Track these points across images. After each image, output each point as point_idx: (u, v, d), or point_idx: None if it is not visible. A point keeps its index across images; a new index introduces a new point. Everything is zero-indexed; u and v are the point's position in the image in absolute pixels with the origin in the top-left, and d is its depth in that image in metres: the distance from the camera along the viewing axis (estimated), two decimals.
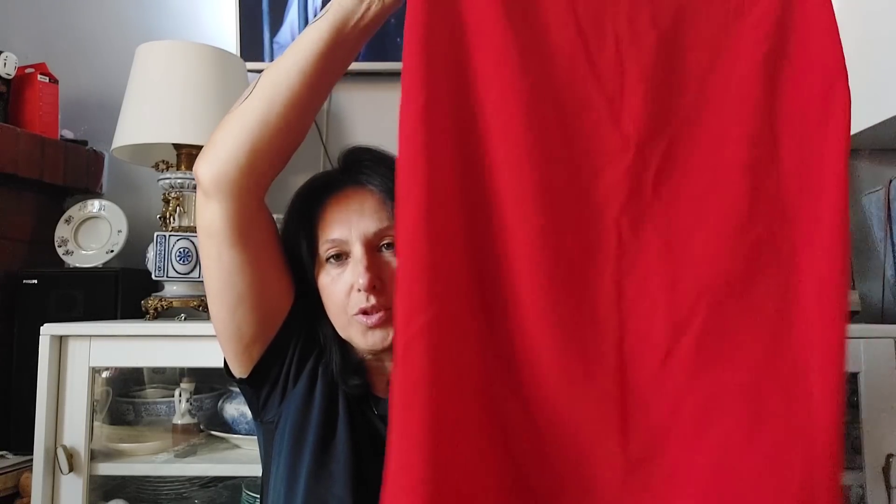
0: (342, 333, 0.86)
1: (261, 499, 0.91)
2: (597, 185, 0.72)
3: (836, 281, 0.68)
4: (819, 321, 0.68)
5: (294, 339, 0.86)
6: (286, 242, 0.88)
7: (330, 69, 0.74)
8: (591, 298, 0.70)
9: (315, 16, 1.73)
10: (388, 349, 0.85)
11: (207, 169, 0.75)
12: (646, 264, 0.71)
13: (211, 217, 0.77)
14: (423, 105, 0.65)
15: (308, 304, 0.87)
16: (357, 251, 0.84)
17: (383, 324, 0.83)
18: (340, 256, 0.86)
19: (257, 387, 0.87)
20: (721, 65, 0.73)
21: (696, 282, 0.70)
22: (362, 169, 0.89)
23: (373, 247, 0.85)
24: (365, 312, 0.83)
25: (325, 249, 0.86)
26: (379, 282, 0.83)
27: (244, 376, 0.86)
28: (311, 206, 0.89)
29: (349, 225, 0.85)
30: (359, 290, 0.83)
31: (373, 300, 0.82)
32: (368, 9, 0.72)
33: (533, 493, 0.68)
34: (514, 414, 0.68)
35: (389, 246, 0.85)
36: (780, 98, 0.72)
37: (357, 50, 0.76)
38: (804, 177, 0.71)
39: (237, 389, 1.40)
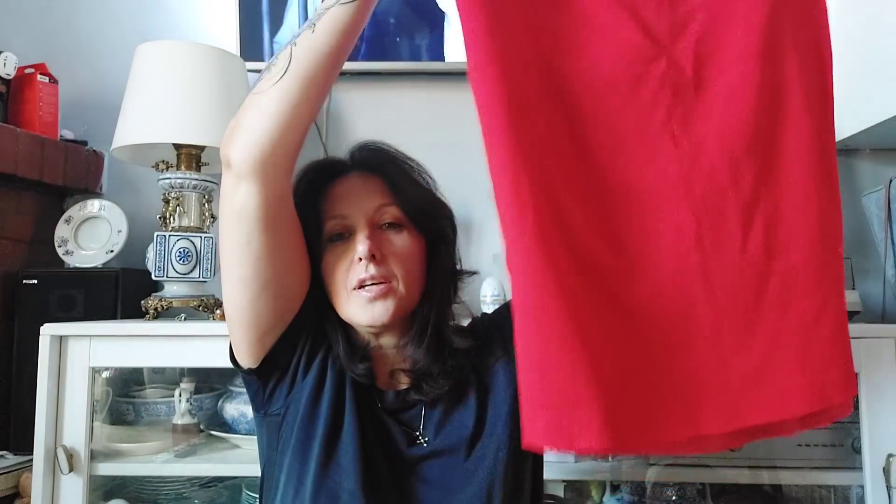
0: (344, 315, 0.86)
1: (260, 496, 0.91)
2: (642, 93, 0.75)
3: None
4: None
5: (306, 331, 0.87)
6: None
7: (352, 43, 0.77)
8: (664, 207, 0.74)
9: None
10: (389, 328, 0.87)
11: (241, 150, 0.75)
12: (704, 158, 0.74)
13: (244, 200, 0.76)
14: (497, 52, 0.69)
15: (318, 295, 0.88)
16: (359, 224, 0.86)
17: (383, 295, 0.84)
18: (344, 235, 0.87)
19: (265, 377, 0.87)
20: None
21: (751, 166, 0.74)
22: (372, 157, 0.91)
23: (374, 222, 0.87)
24: (363, 286, 0.83)
25: (330, 226, 0.87)
26: (379, 253, 0.84)
27: (254, 366, 0.86)
28: (318, 186, 0.90)
29: (353, 203, 0.87)
30: (359, 260, 0.83)
31: (372, 270, 0.83)
32: None
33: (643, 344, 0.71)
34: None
35: (391, 225, 0.87)
36: None
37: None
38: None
39: (237, 389, 1.40)
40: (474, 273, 0.98)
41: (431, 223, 0.91)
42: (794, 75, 0.78)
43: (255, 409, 0.90)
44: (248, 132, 0.75)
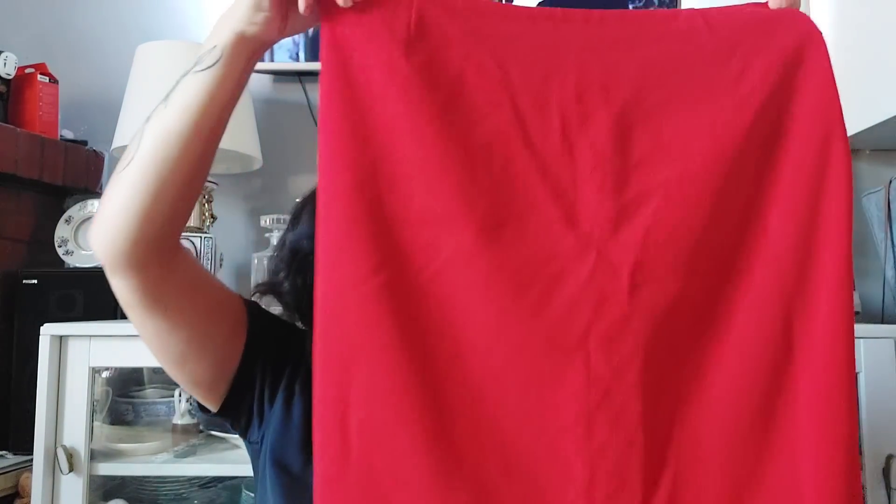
0: None
1: None
2: (555, 301, 0.60)
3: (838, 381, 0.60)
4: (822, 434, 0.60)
5: (259, 366, 0.80)
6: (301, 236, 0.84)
7: (218, 116, 0.67)
8: (555, 447, 0.60)
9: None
10: None
11: (100, 246, 0.67)
12: (617, 399, 0.59)
13: (120, 293, 0.70)
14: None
15: (273, 320, 0.83)
16: None
17: None
18: None
19: (233, 415, 0.82)
20: (704, 137, 0.62)
21: (679, 427, 0.60)
22: None
23: None
24: None
25: None
26: None
27: (217, 410, 0.81)
28: None
29: None
30: None
31: None
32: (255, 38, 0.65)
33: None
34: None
35: None
36: (775, 170, 0.63)
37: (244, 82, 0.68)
38: (803, 260, 0.62)
39: None
40: None
41: None
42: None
43: (239, 436, 0.86)
44: (103, 223, 0.67)
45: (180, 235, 0.71)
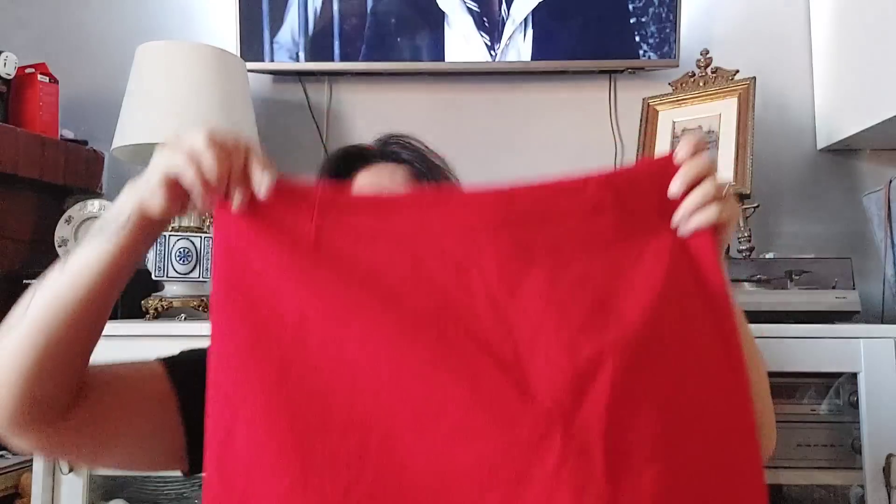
0: None
1: None
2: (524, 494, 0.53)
3: None
4: None
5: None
6: None
7: (108, 291, 0.64)
8: None
9: (315, 16, 1.71)
10: None
11: None
12: None
13: (19, 447, 0.66)
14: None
15: (198, 362, 0.75)
16: None
17: None
18: None
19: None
20: (631, 298, 0.61)
21: None
22: (400, 149, 0.89)
23: None
24: None
25: None
26: None
27: (189, 473, 0.78)
28: (342, 174, 0.87)
29: (379, 190, 0.84)
30: None
31: None
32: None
33: None
34: None
35: None
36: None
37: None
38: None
39: None
40: None
41: None
42: None
43: None
44: None
45: (75, 388, 0.66)
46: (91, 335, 0.66)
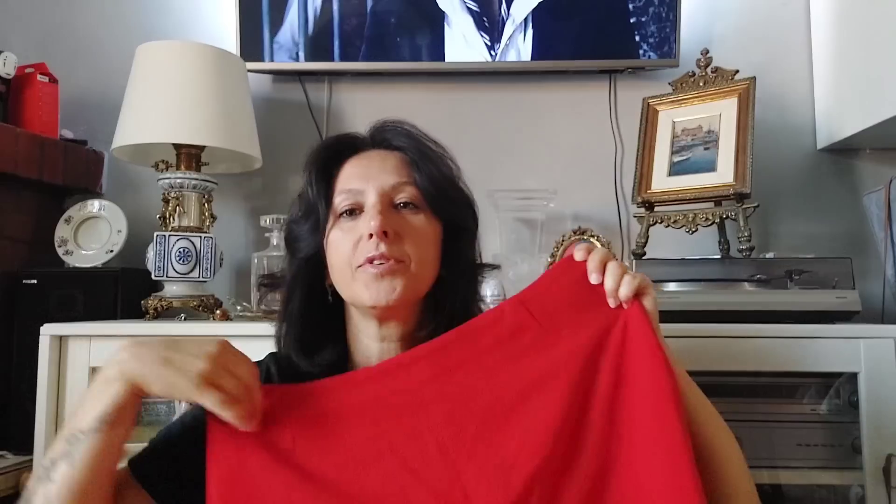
0: (347, 296, 0.82)
1: None
2: None
3: None
4: None
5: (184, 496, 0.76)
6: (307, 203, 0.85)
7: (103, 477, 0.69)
8: None
9: (315, 16, 1.71)
10: (394, 314, 0.81)
11: None
12: None
13: None
14: None
15: (163, 456, 0.80)
16: (371, 199, 0.80)
17: (392, 273, 0.77)
18: (354, 211, 0.82)
19: None
20: (557, 416, 0.70)
21: None
22: (392, 135, 0.87)
23: (389, 200, 0.81)
24: (371, 261, 0.77)
25: (339, 201, 0.82)
26: (392, 231, 0.78)
27: None
28: (333, 163, 0.86)
29: (368, 177, 0.82)
30: (369, 237, 0.78)
31: (382, 248, 0.77)
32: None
33: None
34: None
35: (407, 205, 0.82)
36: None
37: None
38: None
39: None
40: (496, 267, 0.94)
41: (451, 209, 0.84)
42: None
43: None
44: None
45: None
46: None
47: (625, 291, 0.74)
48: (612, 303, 0.75)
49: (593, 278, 0.76)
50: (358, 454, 0.70)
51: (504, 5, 1.70)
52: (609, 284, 0.75)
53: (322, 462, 0.69)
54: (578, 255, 0.78)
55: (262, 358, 0.86)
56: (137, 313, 1.50)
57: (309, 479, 0.68)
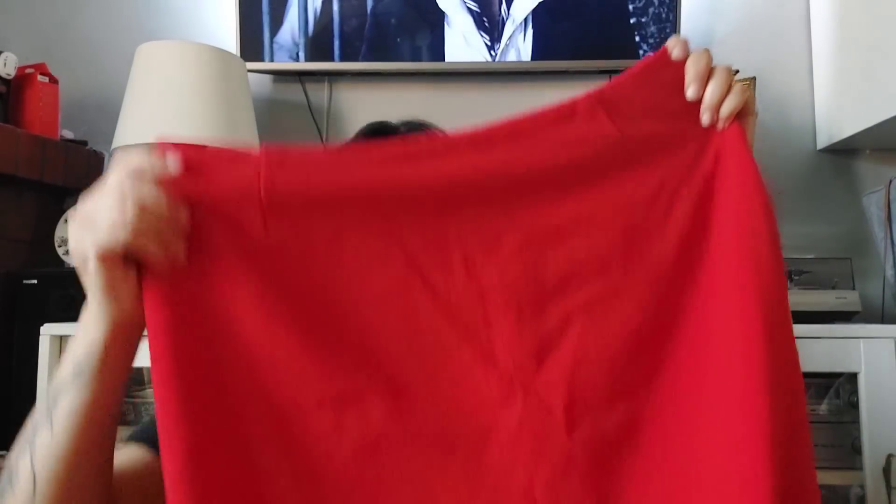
0: None
1: None
2: (488, 457, 0.54)
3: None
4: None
5: None
6: None
7: (101, 430, 0.57)
8: None
9: (315, 16, 1.71)
10: None
11: None
12: None
13: None
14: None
15: None
16: None
17: None
18: None
19: None
20: (620, 249, 0.56)
21: None
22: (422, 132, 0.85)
23: None
24: None
25: None
26: None
27: None
28: None
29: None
30: None
31: None
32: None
33: None
34: None
35: None
36: (698, 269, 0.57)
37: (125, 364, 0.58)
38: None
39: None
40: None
41: None
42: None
43: None
44: None
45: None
46: (101, 473, 0.59)
47: (729, 106, 0.58)
48: (706, 119, 0.59)
49: (691, 92, 0.59)
50: (360, 249, 0.56)
51: (504, 5, 1.70)
52: (712, 95, 0.58)
53: (305, 256, 0.55)
54: (676, 51, 0.60)
55: None
56: None
57: (285, 277, 0.54)
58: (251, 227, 0.54)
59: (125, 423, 1.45)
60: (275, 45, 1.73)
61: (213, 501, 0.50)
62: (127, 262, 0.53)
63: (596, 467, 0.54)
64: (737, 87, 0.59)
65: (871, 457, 1.18)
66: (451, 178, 0.56)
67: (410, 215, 0.56)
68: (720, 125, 0.58)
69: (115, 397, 0.58)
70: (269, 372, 0.53)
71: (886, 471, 1.17)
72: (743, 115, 0.59)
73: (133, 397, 1.49)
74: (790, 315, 0.55)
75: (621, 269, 0.56)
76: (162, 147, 0.55)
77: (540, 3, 1.69)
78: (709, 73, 0.59)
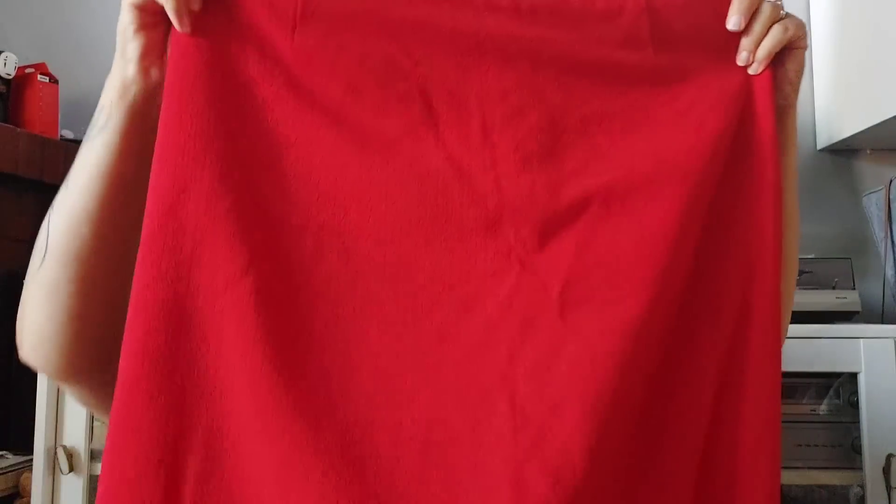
0: None
1: None
2: (468, 323, 0.50)
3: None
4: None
5: None
6: None
7: (121, 189, 0.56)
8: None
9: None
10: None
11: (34, 358, 0.58)
12: (551, 445, 0.47)
13: (78, 399, 0.64)
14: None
15: None
16: None
17: None
18: None
19: None
20: (646, 152, 0.54)
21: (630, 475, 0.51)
22: None
23: None
24: None
25: None
26: None
27: None
28: None
29: None
30: None
31: None
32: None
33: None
34: None
35: None
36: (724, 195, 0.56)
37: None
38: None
39: None
40: None
41: None
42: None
43: None
44: (29, 334, 0.59)
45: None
46: (122, 247, 0.56)
47: (767, 46, 0.55)
48: (741, 58, 0.56)
49: (732, 22, 0.55)
50: (381, 84, 0.53)
51: None
52: (753, 33, 0.55)
53: (324, 76, 0.53)
54: None
55: None
56: None
57: (300, 92, 0.53)
58: (279, 34, 0.53)
59: None
60: None
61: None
62: (156, 22, 0.59)
63: (588, 359, 0.50)
64: (779, 26, 0.55)
65: (871, 457, 1.18)
66: (484, 34, 0.54)
67: (436, 64, 0.54)
68: (753, 69, 0.55)
69: (124, 158, 0.56)
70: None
71: (886, 471, 1.17)
72: (792, 45, 0.56)
73: None
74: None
75: (643, 174, 0.54)
76: None
77: None
78: (757, 6, 0.56)
